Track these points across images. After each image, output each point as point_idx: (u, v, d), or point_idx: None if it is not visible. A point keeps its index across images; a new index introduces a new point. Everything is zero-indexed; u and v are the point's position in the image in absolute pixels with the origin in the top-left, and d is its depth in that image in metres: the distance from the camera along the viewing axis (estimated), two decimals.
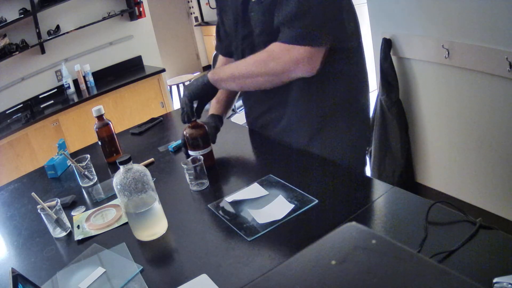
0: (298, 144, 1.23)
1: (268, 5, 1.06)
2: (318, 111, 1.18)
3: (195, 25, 6.07)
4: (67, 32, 3.33)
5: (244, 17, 1.15)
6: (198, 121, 1.21)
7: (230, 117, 3.38)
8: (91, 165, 1.31)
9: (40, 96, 3.33)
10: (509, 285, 0.60)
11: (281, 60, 1.02)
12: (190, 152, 1.20)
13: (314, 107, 1.18)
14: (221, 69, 1.16)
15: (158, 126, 1.72)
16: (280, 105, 1.23)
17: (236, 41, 1.23)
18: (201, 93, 1.17)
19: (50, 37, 3.25)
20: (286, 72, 1.03)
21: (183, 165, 1.11)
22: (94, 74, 3.52)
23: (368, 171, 1.32)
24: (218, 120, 1.34)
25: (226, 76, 1.13)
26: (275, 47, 1.04)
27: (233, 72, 1.12)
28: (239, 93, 1.44)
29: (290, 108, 1.21)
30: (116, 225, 1.05)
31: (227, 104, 1.40)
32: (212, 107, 1.39)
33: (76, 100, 3.20)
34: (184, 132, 1.19)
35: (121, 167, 0.92)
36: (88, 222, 1.08)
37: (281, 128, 1.26)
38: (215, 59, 3.27)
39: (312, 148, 1.21)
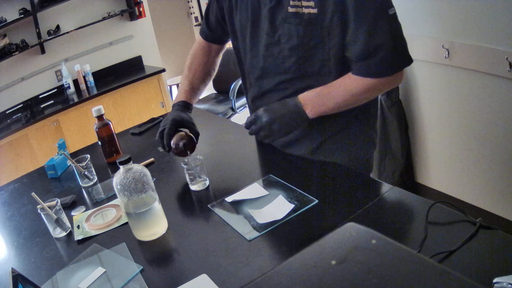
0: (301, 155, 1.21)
1: (308, 19, 1.03)
2: (318, 127, 1.17)
3: (195, 25, 6.05)
4: (67, 32, 3.33)
5: (272, 26, 1.09)
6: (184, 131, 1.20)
7: (230, 117, 3.38)
8: (91, 165, 1.31)
9: (40, 96, 3.33)
10: (509, 285, 0.60)
11: (383, 88, 1.12)
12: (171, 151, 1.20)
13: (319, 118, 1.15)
14: (319, 103, 1.08)
15: (158, 126, 1.71)
16: None
17: (252, 45, 1.18)
18: (294, 125, 1.12)
19: (50, 37, 3.25)
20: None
21: (183, 165, 1.11)
22: (94, 74, 3.51)
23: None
24: (189, 109, 1.30)
25: (330, 109, 1.09)
26: (375, 83, 1.04)
27: (338, 104, 1.08)
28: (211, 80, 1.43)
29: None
30: (116, 225, 1.05)
31: (201, 93, 1.39)
32: (185, 92, 1.33)
33: (76, 100, 3.20)
34: (171, 144, 1.18)
35: (121, 167, 0.92)
36: (88, 222, 1.08)
37: (286, 140, 1.24)
38: None
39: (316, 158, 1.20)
